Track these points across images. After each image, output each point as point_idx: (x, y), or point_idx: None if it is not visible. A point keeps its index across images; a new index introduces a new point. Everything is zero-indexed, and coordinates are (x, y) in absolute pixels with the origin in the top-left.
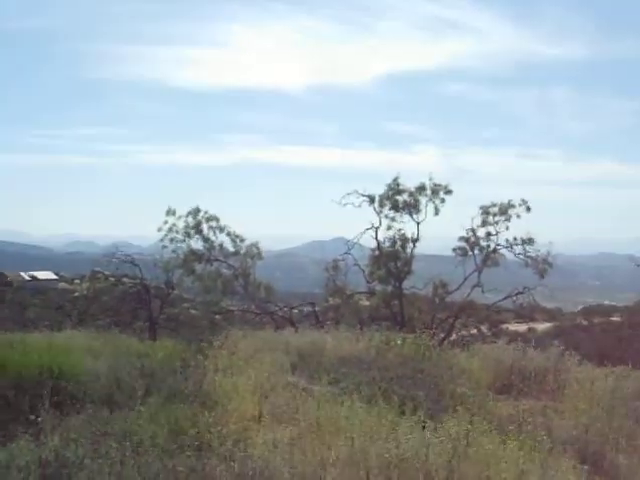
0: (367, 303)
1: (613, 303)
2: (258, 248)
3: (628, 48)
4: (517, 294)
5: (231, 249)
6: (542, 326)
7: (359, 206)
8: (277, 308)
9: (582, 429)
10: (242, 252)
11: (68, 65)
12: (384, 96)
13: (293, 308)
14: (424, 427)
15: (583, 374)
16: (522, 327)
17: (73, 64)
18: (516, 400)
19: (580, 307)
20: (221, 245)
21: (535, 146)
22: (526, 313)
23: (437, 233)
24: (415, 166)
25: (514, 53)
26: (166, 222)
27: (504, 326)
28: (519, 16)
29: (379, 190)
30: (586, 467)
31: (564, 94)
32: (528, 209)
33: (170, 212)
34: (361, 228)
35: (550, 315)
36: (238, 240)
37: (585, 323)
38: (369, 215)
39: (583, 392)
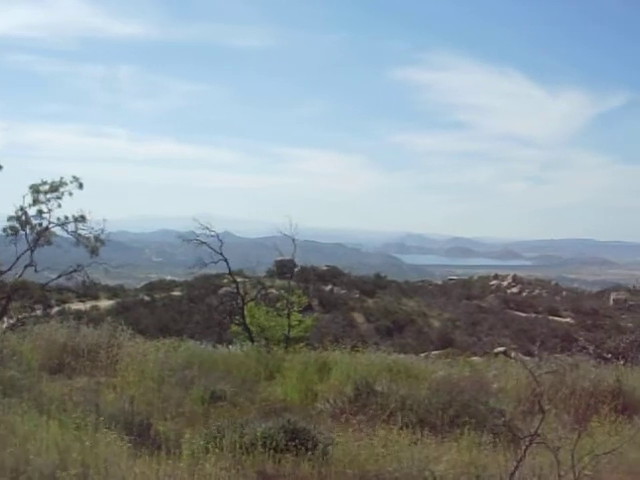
0: None
1: (175, 278)
2: None
3: (192, 34)
4: (71, 272)
5: None
6: (105, 303)
7: None
8: None
9: (130, 401)
10: None
11: None
12: None
13: None
14: None
15: (136, 348)
16: (85, 306)
17: None
18: (70, 379)
19: (143, 283)
20: None
21: (101, 123)
22: (87, 291)
23: None
24: None
25: (80, 28)
26: None
27: (66, 305)
28: None
29: None
30: (131, 437)
31: (130, 73)
32: (80, 186)
33: None
34: None
35: (113, 292)
36: None
37: (147, 299)
38: None
39: (134, 365)
